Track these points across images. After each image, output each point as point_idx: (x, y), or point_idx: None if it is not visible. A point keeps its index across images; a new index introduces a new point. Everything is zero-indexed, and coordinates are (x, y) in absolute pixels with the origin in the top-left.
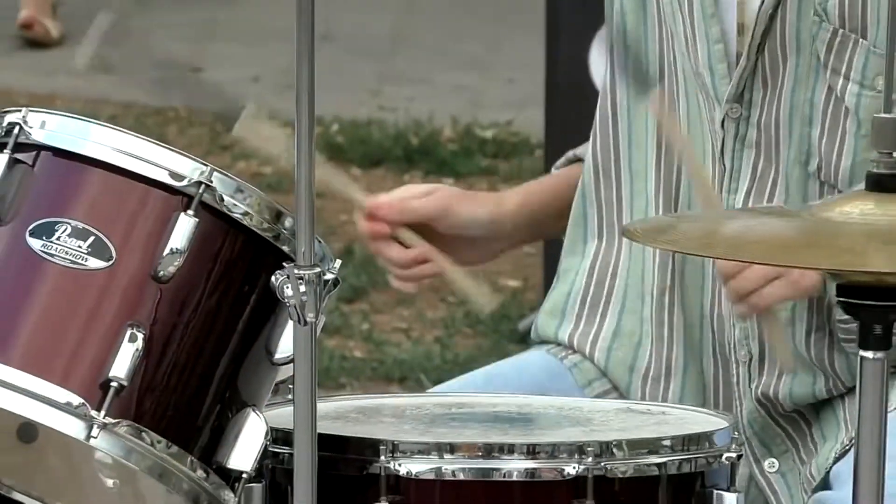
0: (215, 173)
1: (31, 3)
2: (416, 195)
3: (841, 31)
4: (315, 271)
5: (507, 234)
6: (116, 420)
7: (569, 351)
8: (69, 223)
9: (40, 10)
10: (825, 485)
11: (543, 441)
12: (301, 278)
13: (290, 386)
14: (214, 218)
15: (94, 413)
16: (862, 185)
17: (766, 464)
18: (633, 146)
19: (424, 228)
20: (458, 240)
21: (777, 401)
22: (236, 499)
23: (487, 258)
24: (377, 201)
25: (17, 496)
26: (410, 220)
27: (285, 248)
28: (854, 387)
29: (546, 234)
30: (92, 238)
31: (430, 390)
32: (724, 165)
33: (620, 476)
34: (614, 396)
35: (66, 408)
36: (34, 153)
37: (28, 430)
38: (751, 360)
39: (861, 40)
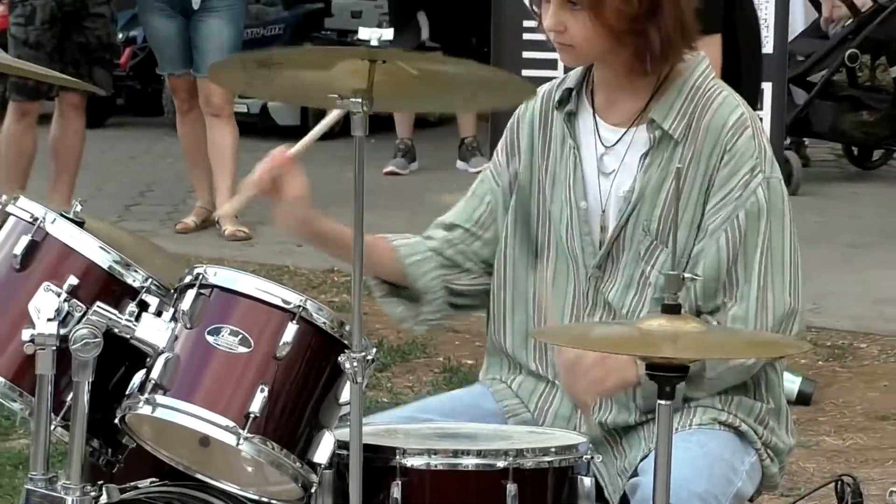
0: (308, 300)
1: (228, 221)
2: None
3: (654, 241)
4: (362, 354)
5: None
6: (253, 435)
7: (497, 381)
8: (228, 327)
9: (238, 224)
10: (635, 474)
11: (486, 448)
12: (354, 358)
13: (348, 417)
14: (307, 325)
15: (241, 431)
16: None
17: (596, 459)
18: (517, 302)
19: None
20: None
21: (606, 424)
22: (317, 479)
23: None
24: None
25: (199, 476)
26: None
27: (346, 342)
28: (649, 418)
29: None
30: (241, 335)
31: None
32: (587, 302)
33: (527, 468)
34: (522, 410)
35: (225, 428)
36: (210, 289)
37: (205, 440)
38: (596, 403)
39: (664, 247)
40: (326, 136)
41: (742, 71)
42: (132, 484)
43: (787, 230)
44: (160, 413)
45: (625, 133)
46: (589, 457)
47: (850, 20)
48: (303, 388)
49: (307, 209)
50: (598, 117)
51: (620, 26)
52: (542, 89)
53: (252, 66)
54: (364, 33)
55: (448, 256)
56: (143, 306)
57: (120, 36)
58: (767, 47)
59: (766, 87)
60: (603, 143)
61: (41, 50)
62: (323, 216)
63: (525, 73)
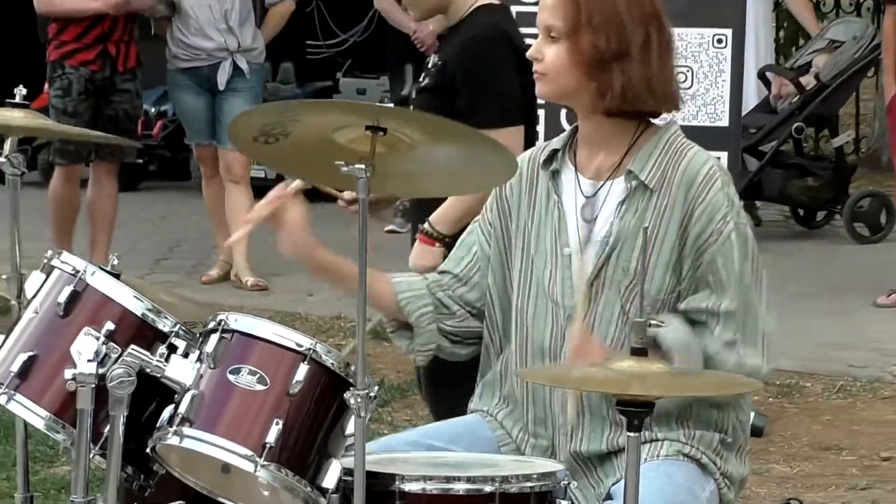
0: (318, 343)
1: (248, 273)
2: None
3: (631, 280)
4: (365, 391)
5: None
6: (269, 463)
7: (486, 413)
8: (247, 367)
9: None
10: (609, 497)
11: (474, 475)
12: (359, 395)
13: (353, 447)
14: (317, 365)
15: (258, 459)
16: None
17: (572, 485)
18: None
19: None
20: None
21: (580, 453)
22: (326, 502)
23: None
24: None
25: (221, 499)
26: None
27: (350, 380)
28: (621, 448)
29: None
30: (258, 374)
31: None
32: (564, 339)
33: (512, 492)
34: (508, 440)
35: (244, 456)
36: (231, 333)
37: (226, 467)
38: (569, 432)
39: (639, 286)
40: (331, 199)
41: None
42: None
43: (754, 264)
44: (187, 443)
45: (602, 185)
46: (566, 482)
47: (797, 97)
48: (313, 421)
49: (305, 236)
50: (579, 174)
51: (593, 57)
52: (525, 155)
53: (272, 114)
54: None
55: (438, 298)
56: (172, 349)
57: (153, 110)
58: (723, 121)
59: (723, 156)
60: (584, 195)
61: (79, 118)
62: (323, 247)
63: None
